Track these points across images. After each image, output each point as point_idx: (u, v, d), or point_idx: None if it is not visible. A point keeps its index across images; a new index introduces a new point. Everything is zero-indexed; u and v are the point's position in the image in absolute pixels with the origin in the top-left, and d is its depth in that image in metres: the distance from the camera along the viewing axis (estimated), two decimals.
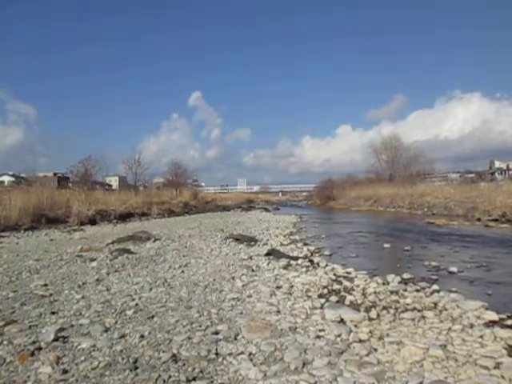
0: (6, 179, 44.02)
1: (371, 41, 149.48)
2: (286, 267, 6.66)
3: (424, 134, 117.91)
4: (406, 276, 5.92)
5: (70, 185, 36.12)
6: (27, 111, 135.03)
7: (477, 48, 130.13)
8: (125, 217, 20.39)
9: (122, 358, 2.82)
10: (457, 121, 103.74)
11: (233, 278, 5.68)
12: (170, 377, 2.56)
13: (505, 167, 56.25)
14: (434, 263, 7.05)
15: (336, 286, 5.35)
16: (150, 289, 4.96)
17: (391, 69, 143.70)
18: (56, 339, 3.14)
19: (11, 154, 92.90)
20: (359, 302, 4.65)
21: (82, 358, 2.82)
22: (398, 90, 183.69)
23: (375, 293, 4.98)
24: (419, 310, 4.20)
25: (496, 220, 16.21)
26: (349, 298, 4.78)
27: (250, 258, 7.57)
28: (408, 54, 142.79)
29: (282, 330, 3.50)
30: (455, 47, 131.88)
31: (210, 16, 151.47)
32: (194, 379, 2.56)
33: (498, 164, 59.53)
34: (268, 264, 6.90)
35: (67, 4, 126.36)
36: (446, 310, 4.20)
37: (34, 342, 3.08)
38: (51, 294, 4.67)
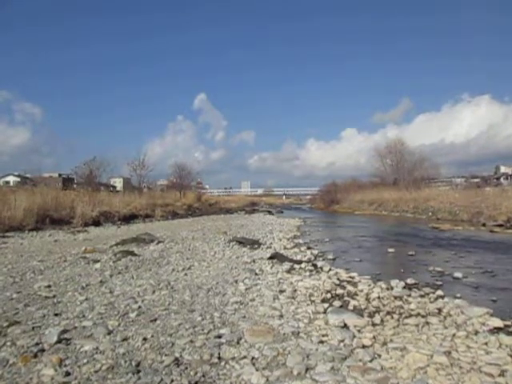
0: (12, 179, 44.39)
1: (377, 45, 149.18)
2: (289, 271, 6.65)
3: (430, 138, 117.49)
4: (410, 281, 5.89)
5: (75, 186, 36.40)
6: (33, 111, 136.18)
7: (485, 53, 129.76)
8: (128, 218, 20.48)
9: (125, 361, 2.82)
10: (463, 125, 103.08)
11: (236, 281, 5.67)
12: (172, 381, 2.55)
13: (510, 172, 55.88)
14: (438, 268, 7.01)
15: (339, 291, 5.32)
16: (153, 291, 4.96)
17: (398, 73, 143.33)
18: (59, 341, 3.14)
19: (17, 154, 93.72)
20: (363, 307, 4.62)
21: (85, 361, 2.82)
22: (405, 94, 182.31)
23: (379, 298, 4.95)
24: (423, 316, 4.16)
25: (501, 225, 16.10)
26: (352, 302, 4.75)
27: (254, 261, 7.55)
28: (417, 59, 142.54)
29: (284, 334, 3.49)
30: (464, 52, 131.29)
31: (216, 18, 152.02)
32: (197, 383, 2.56)
33: (503, 169, 59.22)
34: (271, 267, 6.89)
35: (71, 4, 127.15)
36: (450, 316, 4.16)
37: (36, 344, 3.08)
38: (55, 296, 4.69)
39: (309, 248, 10.06)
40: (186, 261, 7.44)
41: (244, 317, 3.97)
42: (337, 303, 4.68)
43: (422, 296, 5.05)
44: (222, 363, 2.87)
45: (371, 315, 4.23)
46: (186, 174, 45.34)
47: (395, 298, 4.93)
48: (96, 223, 17.09)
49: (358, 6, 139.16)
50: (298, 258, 8.24)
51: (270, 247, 9.88)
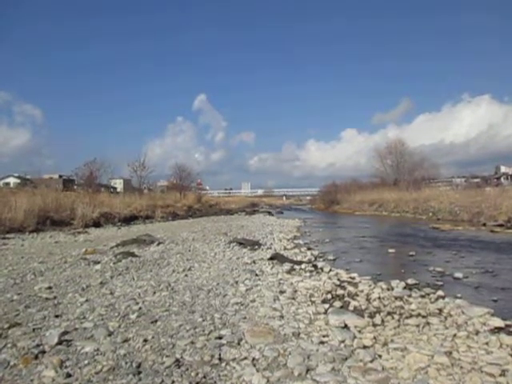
0: (12, 181, 44.37)
1: (377, 46, 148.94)
2: (289, 272, 6.65)
3: (430, 138, 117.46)
4: (410, 281, 5.89)
5: (75, 187, 36.43)
6: (33, 112, 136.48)
7: (485, 53, 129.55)
8: (129, 219, 20.47)
9: (126, 363, 2.82)
10: (463, 125, 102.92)
11: (236, 282, 5.67)
12: (173, 382, 2.56)
13: (511, 172, 55.85)
14: (438, 269, 7.01)
15: (340, 291, 5.32)
16: (154, 292, 4.96)
17: (398, 73, 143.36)
18: (60, 342, 3.15)
19: (17, 155, 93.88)
20: (363, 307, 4.62)
21: (86, 362, 2.82)
22: (405, 94, 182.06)
23: (379, 298, 4.95)
24: (424, 316, 4.16)
25: (501, 225, 16.08)
26: (353, 303, 4.75)
27: (254, 262, 7.55)
28: (417, 60, 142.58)
29: (285, 335, 3.49)
30: (464, 53, 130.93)
31: (216, 18, 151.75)
32: None
33: (503, 169, 59.13)
34: (271, 268, 6.89)
35: (71, 4, 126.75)
36: (450, 316, 4.16)
37: (37, 345, 3.09)
38: (55, 297, 4.69)
39: (309, 249, 10.07)
40: (187, 262, 7.44)
41: (244, 318, 3.97)
42: (337, 304, 4.68)
43: (422, 296, 5.05)
44: (223, 364, 2.87)
45: (372, 316, 4.23)
46: (187, 175, 45.39)
47: (396, 298, 4.94)
48: (96, 224, 17.09)
49: (358, 6, 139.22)
50: (299, 258, 8.24)
51: (271, 248, 9.87)
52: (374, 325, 3.92)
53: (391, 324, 3.93)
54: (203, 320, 3.85)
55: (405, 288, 5.48)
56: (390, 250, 9.75)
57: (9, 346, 3.11)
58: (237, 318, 3.93)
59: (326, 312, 4.24)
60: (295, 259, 8.03)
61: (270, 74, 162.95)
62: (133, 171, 36.77)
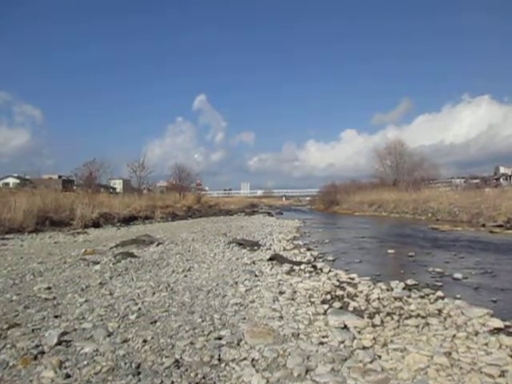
0: (11, 181, 44.33)
1: (378, 46, 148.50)
2: (289, 272, 6.65)
3: (430, 139, 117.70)
4: (410, 282, 5.89)
5: (75, 187, 36.43)
6: (33, 113, 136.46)
7: (485, 54, 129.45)
8: (128, 220, 20.45)
9: (125, 363, 2.82)
10: (463, 125, 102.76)
11: (236, 282, 5.67)
12: (172, 382, 2.56)
13: (510, 173, 55.89)
14: (438, 269, 7.01)
15: (339, 292, 5.32)
16: (153, 293, 4.96)
17: (398, 73, 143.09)
18: (59, 343, 3.14)
19: (17, 156, 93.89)
20: (363, 308, 4.62)
21: (85, 363, 2.82)
22: (405, 94, 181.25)
23: (379, 299, 4.95)
24: (423, 317, 4.16)
25: (501, 226, 16.09)
26: (352, 304, 4.75)
27: (253, 262, 7.55)
28: (417, 60, 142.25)
29: (284, 335, 3.49)
30: (464, 53, 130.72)
31: (216, 18, 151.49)
32: None
33: (503, 170, 59.18)
34: (271, 269, 6.89)
35: (71, 4, 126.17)
36: (450, 316, 4.16)
37: (36, 346, 3.08)
38: (54, 298, 4.68)
39: (308, 249, 10.06)
40: (186, 262, 7.44)
41: (244, 318, 3.97)
42: (337, 304, 4.68)
43: (422, 297, 5.05)
44: (223, 365, 2.87)
45: (371, 316, 4.23)
46: (186, 176, 45.42)
47: (395, 298, 4.94)
48: (96, 225, 17.07)
49: (358, 7, 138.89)
50: (298, 259, 8.25)
51: (270, 249, 9.88)
52: (374, 325, 3.91)
53: (391, 325, 3.93)
54: (203, 320, 3.85)
55: (404, 289, 5.48)
56: (390, 251, 9.76)
57: (8, 346, 3.10)
58: (236, 319, 3.93)
59: (325, 313, 4.24)
60: (295, 260, 8.03)
61: (270, 74, 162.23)
62: (132, 171, 36.87)
